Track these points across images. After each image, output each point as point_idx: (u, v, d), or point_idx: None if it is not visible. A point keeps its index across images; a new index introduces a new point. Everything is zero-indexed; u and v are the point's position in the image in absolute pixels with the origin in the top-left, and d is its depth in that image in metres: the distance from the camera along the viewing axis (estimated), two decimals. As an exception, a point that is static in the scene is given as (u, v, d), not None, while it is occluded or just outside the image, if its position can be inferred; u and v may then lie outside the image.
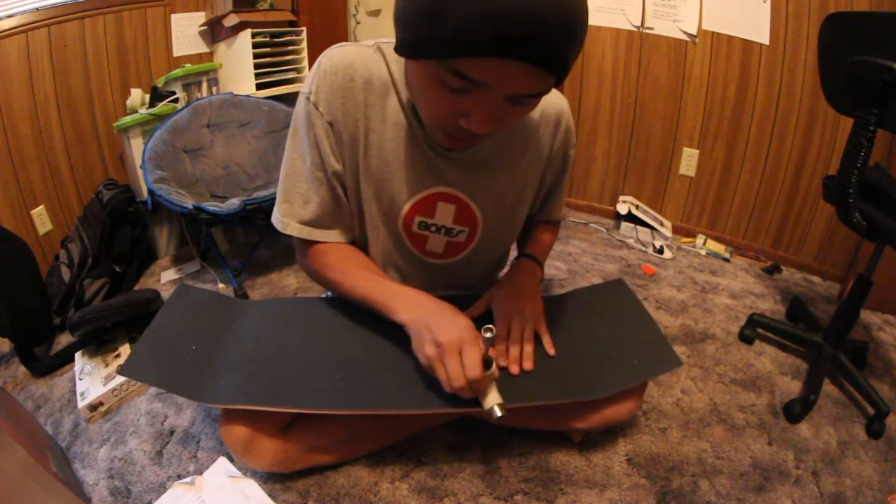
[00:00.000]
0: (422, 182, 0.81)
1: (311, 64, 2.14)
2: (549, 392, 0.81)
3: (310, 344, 0.86)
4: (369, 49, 0.76)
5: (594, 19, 1.88)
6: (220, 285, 1.69)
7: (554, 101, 0.86)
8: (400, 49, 0.63)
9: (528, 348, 0.83)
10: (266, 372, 0.81)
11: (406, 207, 0.83)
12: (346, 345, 0.85)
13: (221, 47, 2.10)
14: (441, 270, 0.94)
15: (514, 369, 0.81)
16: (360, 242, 0.91)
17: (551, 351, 0.85)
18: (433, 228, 0.86)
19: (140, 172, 1.69)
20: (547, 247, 1.04)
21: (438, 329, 0.69)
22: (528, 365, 0.81)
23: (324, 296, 1.14)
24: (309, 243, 0.85)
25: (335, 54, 0.74)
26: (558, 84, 0.60)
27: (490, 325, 0.67)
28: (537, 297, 0.91)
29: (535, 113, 0.84)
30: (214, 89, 2.10)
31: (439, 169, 0.80)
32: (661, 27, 1.78)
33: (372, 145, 0.78)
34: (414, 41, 0.58)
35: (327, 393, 0.78)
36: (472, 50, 0.52)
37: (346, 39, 2.03)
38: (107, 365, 1.28)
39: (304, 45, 2.15)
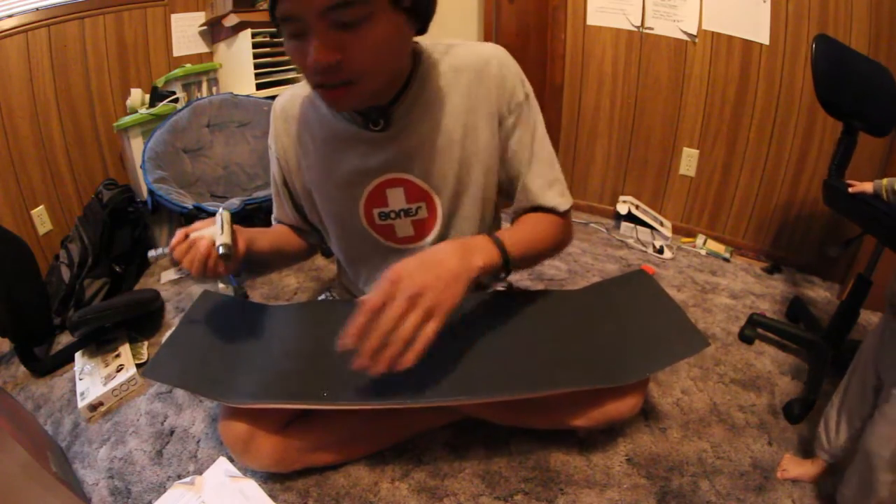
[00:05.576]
0: (364, 179, 0.84)
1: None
2: (579, 379, 0.81)
3: (334, 344, 0.87)
4: (299, 86, 0.88)
5: (594, 19, 1.89)
6: (220, 285, 1.69)
7: (477, 50, 0.81)
8: None
9: (404, 333, 0.62)
10: (293, 371, 0.83)
11: (361, 206, 0.87)
12: None
13: (221, 47, 2.10)
14: None
15: (361, 363, 0.63)
16: (340, 261, 1.02)
17: (408, 360, 0.63)
18: (393, 215, 0.87)
19: (140, 172, 1.69)
20: (528, 234, 0.84)
21: None
22: (408, 360, 0.62)
23: (321, 297, 1.14)
24: None
25: (276, 102, 0.90)
26: None
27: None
28: (456, 282, 0.66)
29: (447, 67, 0.80)
30: (214, 89, 2.10)
31: (375, 160, 0.82)
32: (661, 27, 1.78)
33: (314, 166, 0.88)
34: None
35: (358, 389, 0.78)
36: None
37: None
38: (107, 365, 1.28)
39: (304, 45, 2.15)
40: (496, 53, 0.81)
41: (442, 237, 0.89)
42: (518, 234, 0.83)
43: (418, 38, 0.78)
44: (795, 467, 0.97)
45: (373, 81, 0.68)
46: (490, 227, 0.94)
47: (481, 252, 0.72)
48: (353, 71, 0.64)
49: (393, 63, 0.71)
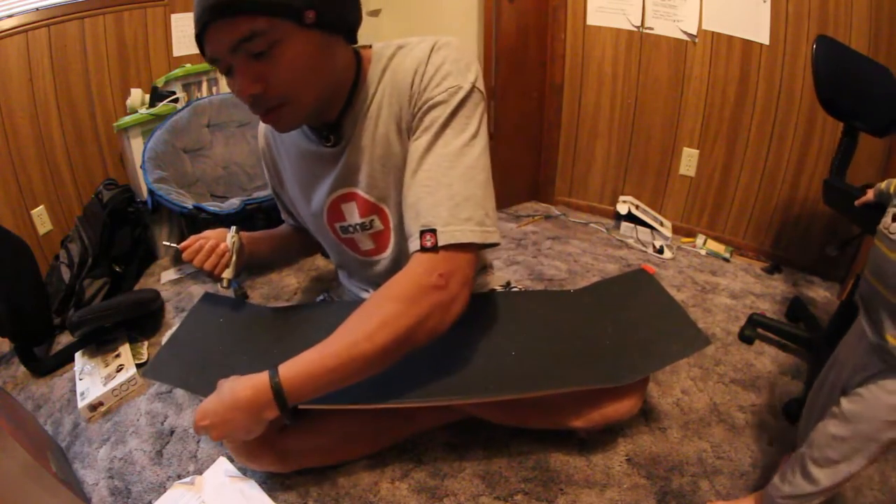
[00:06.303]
0: (324, 195, 0.86)
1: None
2: (579, 379, 0.81)
3: None
4: None
5: (594, 19, 1.89)
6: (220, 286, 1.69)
7: (415, 49, 0.74)
8: None
9: None
10: None
11: (325, 221, 0.89)
12: None
13: (221, 47, 2.10)
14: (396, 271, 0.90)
15: None
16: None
17: None
18: (351, 229, 0.88)
19: (140, 172, 1.69)
20: (343, 343, 0.67)
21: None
22: None
23: (320, 298, 1.15)
24: None
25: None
26: (285, 16, 0.62)
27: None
28: (249, 434, 0.72)
29: (389, 72, 0.75)
30: (214, 89, 2.10)
31: (330, 176, 0.83)
32: (661, 27, 1.78)
33: (291, 179, 0.93)
34: None
35: (359, 389, 0.76)
36: (195, 38, 0.67)
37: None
38: (107, 365, 1.28)
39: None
40: (428, 50, 0.72)
41: (401, 249, 0.86)
42: (315, 359, 0.68)
43: (373, 43, 0.78)
44: None
45: (302, 101, 0.70)
46: None
47: (269, 409, 0.69)
48: (278, 96, 0.68)
49: (318, 79, 0.70)
